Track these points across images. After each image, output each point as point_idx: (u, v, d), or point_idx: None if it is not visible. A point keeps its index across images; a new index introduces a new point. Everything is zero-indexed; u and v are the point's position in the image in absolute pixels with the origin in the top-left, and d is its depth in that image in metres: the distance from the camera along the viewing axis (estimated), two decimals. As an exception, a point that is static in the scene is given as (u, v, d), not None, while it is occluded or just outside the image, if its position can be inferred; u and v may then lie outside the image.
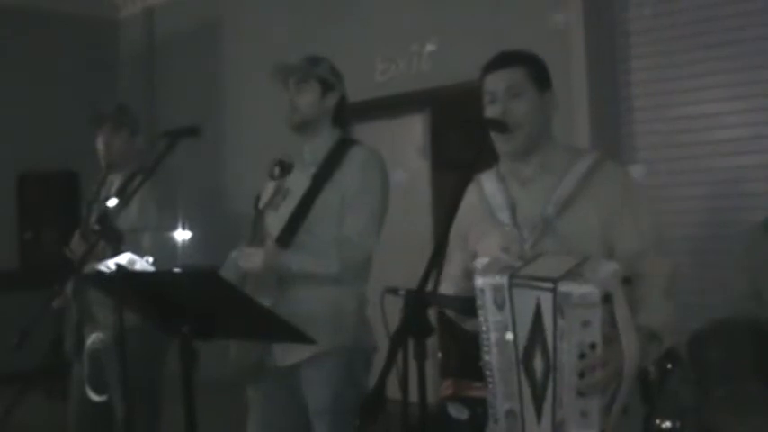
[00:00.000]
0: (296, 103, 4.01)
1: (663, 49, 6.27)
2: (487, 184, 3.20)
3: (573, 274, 2.65)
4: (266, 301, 3.59)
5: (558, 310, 2.63)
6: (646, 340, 2.77)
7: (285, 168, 3.69)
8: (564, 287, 2.62)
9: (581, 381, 2.62)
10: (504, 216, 3.08)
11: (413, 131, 7.96)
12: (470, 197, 3.22)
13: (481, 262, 2.97)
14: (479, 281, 2.85)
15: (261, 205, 3.85)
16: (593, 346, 2.61)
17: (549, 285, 2.65)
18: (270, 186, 3.85)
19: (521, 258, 2.88)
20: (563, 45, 6.33)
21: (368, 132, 8.46)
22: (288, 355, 3.84)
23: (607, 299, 2.59)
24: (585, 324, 2.60)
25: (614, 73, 6.49)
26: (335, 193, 3.88)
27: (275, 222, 3.92)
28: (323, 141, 4.04)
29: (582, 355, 2.61)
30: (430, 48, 7.51)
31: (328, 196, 3.87)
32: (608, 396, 2.67)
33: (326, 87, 4.05)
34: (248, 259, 3.78)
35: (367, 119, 8.36)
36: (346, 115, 4.16)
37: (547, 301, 2.66)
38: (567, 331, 2.62)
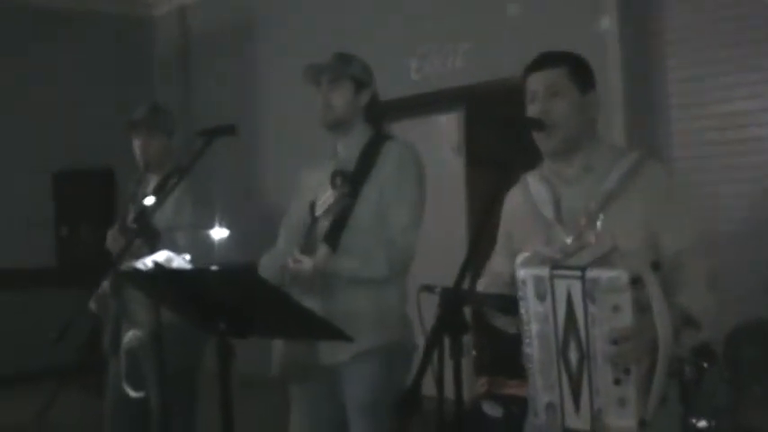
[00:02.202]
0: (329, 102, 4.01)
1: (698, 46, 6.23)
2: (533, 183, 3.21)
3: (600, 261, 2.69)
4: (313, 302, 3.61)
5: (587, 296, 2.67)
6: (681, 322, 2.75)
7: (346, 178, 3.69)
8: (592, 273, 2.66)
9: (614, 347, 2.63)
10: (548, 211, 3.09)
11: (448, 129, 7.96)
12: (516, 196, 3.27)
13: (523, 255, 2.99)
14: (521, 272, 2.87)
15: (318, 213, 3.84)
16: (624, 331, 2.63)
17: (578, 273, 2.69)
18: (328, 194, 3.83)
19: (562, 252, 2.89)
20: (598, 44, 6.31)
21: (403, 130, 8.45)
22: (334, 353, 3.83)
23: (636, 282, 2.60)
24: (616, 309, 2.62)
25: (649, 72, 6.47)
26: (374, 190, 3.89)
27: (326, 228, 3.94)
28: (357, 139, 4.05)
29: (615, 342, 2.62)
30: (465, 46, 7.50)
31: (368, 193, 3.88)
32: (643, 375, 2.66)
33: (359, 85, 4.05)
34: (299, 266, 3.77)
35: (402, 117, 8.37)
36: (379, 112, 4.16)
37: (576, 289, 2.70)
38: (598, 317, 2.65)
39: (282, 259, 3.97)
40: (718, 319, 2.91)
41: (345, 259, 3.82)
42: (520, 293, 2.87)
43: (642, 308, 2.62)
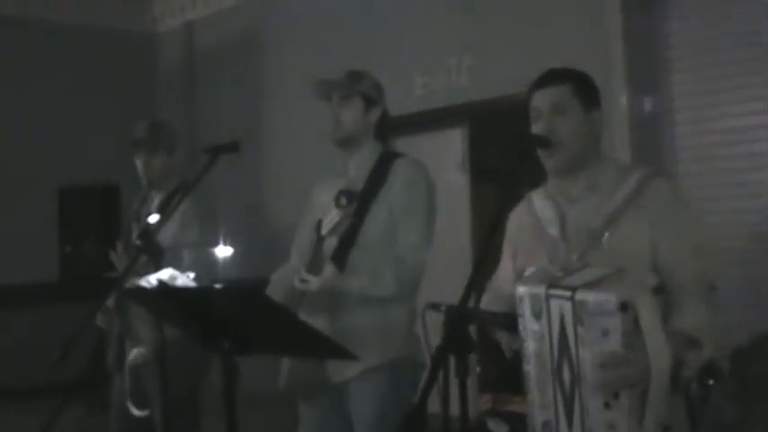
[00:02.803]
0: (339, 119, 4.02)
1: (703, 61, 6.24)
2: (538, 201, 3.21)
3: (593, 284, 2.65)
4: (321, 320, 3.61)
5: (576, 318, 2.63)
6: (682, 347, 2.71)
7: (351, 198, 3.68)
8: (580, 295, 2.62)
9: (601, 372, 2.58)
10: (554, 229, 3.08)
11: (452, 145, 7.95)
12: (521, 214, 3.27)
13: (527, 272, 2.98)
14: (520, 290, 2.86)
15: (324, 232, 3.82)
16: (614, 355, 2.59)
17: (568, 294, 2.66)
18: (334, 213, 3.82)
19: (564, 270, 2.87)
20: (602, 60, 6.32)
21: (407, 146, 8.42)
22: (342, 370, 3.83)
23: (625, 307, 2.57)
24: (605, 333, 2.57)
25: (654, 87, 6.47)
26: (383, 208, 3.90)
27: (333, 246, 3.93)
28: (366, 156, 4.06)
29: (603, 365, 2.58)
30: (469, 62, 7.51)
31: (377, 212, 3.89)
32: (636, 401, 2.63)
33: (369, 103, 4.07)
34: (305, 286, 3.76)
35: (406, 133, 8.36)
36: (388, 130, 4.17)
37: (567, 310, 2.67)
38: (586, 340, 2.61)
39: (292, 275, 3.98)
40: (720, 333, 2.89)
41: (354, 278, 3.81)
42: (519, 311, 2.87)
43: (636, 333, 2.58)
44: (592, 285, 2.64)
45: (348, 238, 3.84)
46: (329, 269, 3.77)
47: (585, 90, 3.14)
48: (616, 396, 2.61)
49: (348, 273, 3.80)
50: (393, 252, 3.87)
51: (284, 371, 3.89)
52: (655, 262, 2.93)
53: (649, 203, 2.99)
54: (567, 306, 2.65)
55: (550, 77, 3.15)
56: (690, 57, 6.32)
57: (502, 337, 3.17)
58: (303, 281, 3.76)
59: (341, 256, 3.82)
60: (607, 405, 2.62)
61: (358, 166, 4.05)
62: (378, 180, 3.94)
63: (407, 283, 3.91)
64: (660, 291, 2.70)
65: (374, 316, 3.85)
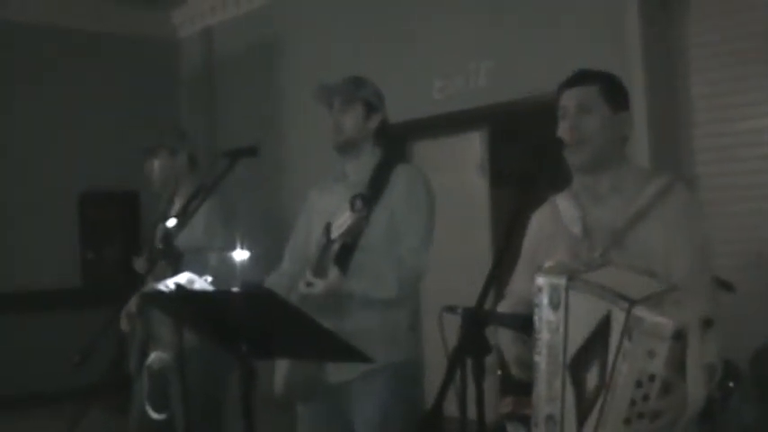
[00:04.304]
0: (340, 124, 4.09)
1: (721, 63, 6.22)
2: (562, 203, 3.23)
3: (653, 301, 2.63)
4: (324, 323, 3.62)
5: (626, 331, 2.60)
6: (710, 378, 2.73)
7: (366, 203, 3.70)
8: (639, 312, 2.58)
9: (635, 390, 2.58)
10: (576, 228, 3.10)
11: (471, 149, 7.95)
12: (544, 217, 3.31)
13: (547, 264, 2.98)
14: (539, 280, 2.84)
15: (335, 235, 3.80)
16: (652, 378, 2.56)
17: (625, 305, 2.61)
18: (346, 216, 3.77)
19: (586, 265, 2.87)
20: (621, 60, 6.30)
21: (426, 150, 8.50)
22: (341, 372, 3.86)
23: (678, 336, 2.55)
24: (651, 354, 2.55)
25: (673, 89, 6.45)
26: (384, 212, 3.94)
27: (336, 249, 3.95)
28: (366, 161, 4.13)
29: (639, 384, 2.57)
30: (488, 65, 7.50)
31: (378, 216, 3.90)
32: (658, 428, 2.63)
33: (370, 109, 4.13)
34: (311, 290, 3.77)
35: (425, 136, 8.39)
36: (388, 136, 4.23)
37: (618, 318, 2.62)
38: (630, 355, 2.58)
39: (288, 280, 4.06)
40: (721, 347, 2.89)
41: (356, 280, 3.83)
42: (535, 300, 2.85)
43: (680, 364, 2.58)
44: (651, 302, 2.61)
45: (351, 242, 3.85)
46: (334, 272, 3.78)
47: (614, 91, 3.19)
48: (641, 416, 2.59)
49: (351, 275, 3.82)
50: (394, 255, 3.91)
51: (281, 374, 3.91)
52: (668, 267, 2.93)
53: (668, 210, 3.02)
54: (620, 315, 2.62)
55: (579, 78, 3.21)
56: (708, 58, 6.30)
57: (509, 351, 3.16)
58: (309, 284, 3.77)
59: (344, 260, 3.84)
60: (627, 421, 2.60)
61: (358, 171, 4.11)
62: (379, 185, 3.98)
63: (409, 285, 3.96)
64: (710, 323, 2.66)
65: (376, 318, 3.88)
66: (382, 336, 3.81)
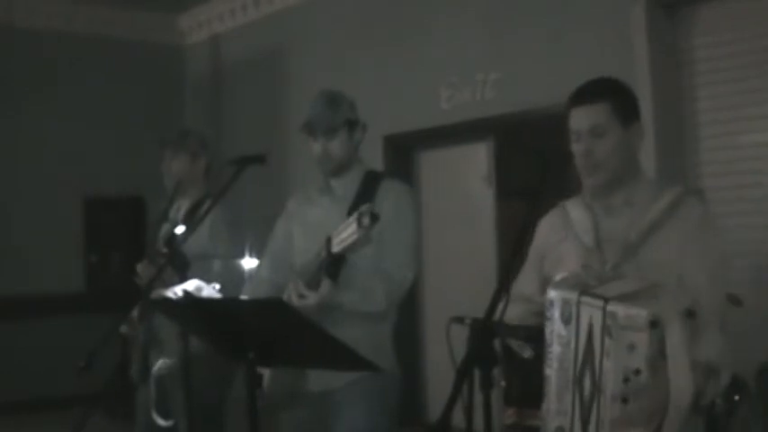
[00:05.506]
0: (329, 152, 4.10)
1: (728, 77, 6.21)
2: (574, 210, 3.22)
3: (627, 297, 2.65)
4: None
5: (606, 329, 2.63)
6: (703, 377, 2.72)
7: (374, 219, 3.69)
8: (612, 307, 2.62)
9: (623, 386, 2.59)
10: (588, 239, 3.10)
11: (477, 159, 7.94)
12: (553, 221, 3.29)
13: (559, 276, 2.98)
14: (552, 293, 2.86)
15: (337, 250, 3.72)
16: (637, 371, 2.58)
17: (600, 303, 2.66)
18: (351, 231, 3.66)
19: (598, 279, 2.87)
20: (628, 73, 6.30)
21: (433, 160, 8.50)
22: (326, 380, 3.89)
23: (654, 325, 2.56)
24: (631, 348, 2.58)
25: (680, 102, 6.44)
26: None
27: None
28: (353, 176, 4.15)
29: (626, 380, 2.59)
30: (495, 76, 7.50)
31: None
32: (652, 429, 2.63)
33: (351, 125, 4.13)
34: (304, 302, 3.75)
35: (432, 146, 8.39)
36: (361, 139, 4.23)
37: (597, 319, 2.67)
38: (613, 352, 2.61)
39: (268, 288, 4.11)
40: (732, 358, 2.88)
41: (346, 293, 3.85)
42: (547, 314, 2.87)
43: (661, 354, 2.59)
44: (625, 298, 2.64)
45: (341, 255, 3.83)
46: (326, 284, 3.78)
47: (624, 105, 3.16)
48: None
49: (341, 288, 3.84)
50: (382, 269, 3.94)
51: (264, 381, 3.92)
52: (680, 280, 2.93)
53: (681, 223, 3.01)
54: (598, 315, 2.65)
55: (589, 94, 3.16)
56: (715, 71, 6.29)
57: (521, 349, 3.16)
58: (301, 296, 3.76)
59: (335, 272, 3.85)
60: (622, 421, 2.61)
61: (344, 184, 4.14)
62: (366, 199, 3.95)
63: (395, 299, 4.01)
64: (692, 314, 2.67)
65: (362, 329, 3.87)
66: (368, 347, 3.77)
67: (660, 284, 2.74)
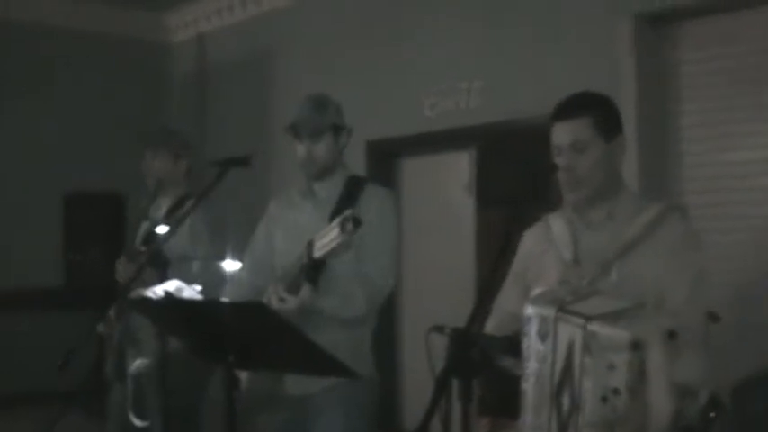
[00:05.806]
0: (313, 156, 4.09)
1: (713, 94, 6.22)
2: (555, 224, 3.22)
3: (609, 316, 2.65)
4: None
5: (586, 348, 2.63)
6: (681, 398, 2.71)
7: (357, 224, 3.61)
8: (593, 326, 2.63)
9: (600, 406, 2.59)
10: (567, 253, 3.10)
11: (459, 168, 7.94)
12: (536, 235, 3.31)
13: (536, 291, 2.98)
14: (529, 309, 2.86)
15: (319, 255, 3.68)
16: (615, 391, 2.58)
17: (581, 322, 2.66)
18: (333, 236, 3.61)
19: (574, 294, 2.88)
20: (613, 86, 6.31)
21: (414, 167, 8.49)
22: (303, 384, 3.88)
23: (636, 346, 2.57)
24: (611, 367, 2.58)
25: (664, 117, 6.46)
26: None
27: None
28: (335, 180, 4.15)
29: (604, 399, 2.59)
30: (479, 84, 7.50)
31: None
32: None
33: (337, 130, 4.13)
34: (283, 305, 3.73)
35: (414, 153, 8.38)
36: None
37: (578, 337, 2.67)
38: (591, 371, 2.61)
39: (248, 291, 4.09)
40: (711, 378, 2.89)
41: (326, 298, 3.84)
42: (524, 329, 2.87)
43: (641, 376, 2.58)
44: (608, 318, 2.63)
45: (322, 259, 3.81)
46: (306, 288, 3.77)
47: (606, 119, 3.15)
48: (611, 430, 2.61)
49: (321, 293, 3.83)
50: (363, 273, 3.94)
51: (242, 385, 3.91)
52: (661, 297, 2.94)
53: (663, 239, 3.01)
54: (578, 334, 2.65)
55: (570, 109, 3.16)
56: (701, 87, 6.31)
57: (505, 362, 3.16)
58: (281, 299, 3.75)
59: (315, 276, 3.84)
60: None
61: (327, 188, 4.14)
62: (349, 204, 3.95)
63: (376, 304, 4.02)
64: (674, 336, 2.67)
65: (342, 334, 3.89)
66: (347, 350, 3.77)
67: (643, 304, 2.75)
